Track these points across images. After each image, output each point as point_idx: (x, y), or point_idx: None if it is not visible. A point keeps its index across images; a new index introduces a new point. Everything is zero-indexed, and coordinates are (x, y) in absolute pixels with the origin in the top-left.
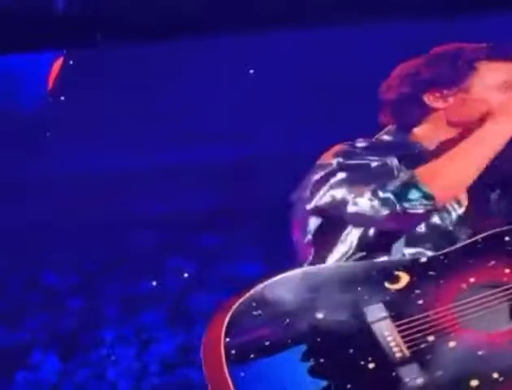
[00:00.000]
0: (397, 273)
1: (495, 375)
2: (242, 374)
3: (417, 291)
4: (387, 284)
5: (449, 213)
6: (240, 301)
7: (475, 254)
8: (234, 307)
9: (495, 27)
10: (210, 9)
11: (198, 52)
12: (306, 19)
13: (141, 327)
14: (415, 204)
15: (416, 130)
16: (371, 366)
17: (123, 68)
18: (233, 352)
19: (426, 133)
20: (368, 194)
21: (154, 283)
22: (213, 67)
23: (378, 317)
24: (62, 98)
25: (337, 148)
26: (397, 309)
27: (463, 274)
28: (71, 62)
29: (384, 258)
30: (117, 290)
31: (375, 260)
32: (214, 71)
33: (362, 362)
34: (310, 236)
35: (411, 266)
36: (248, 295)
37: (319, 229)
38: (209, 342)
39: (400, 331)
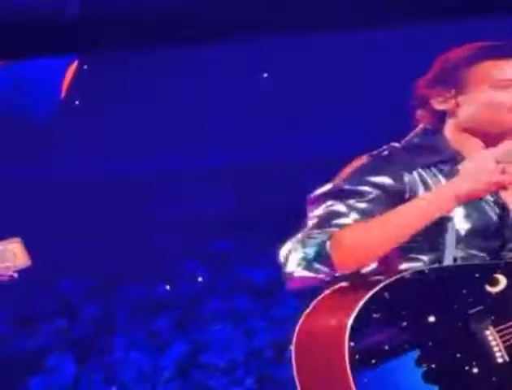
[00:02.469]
0: (496, 276)
1: None
2: (365, 379)
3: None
4: (488, 287)
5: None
6: (362, 302)
7: None
8: (357, 309)
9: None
10: (224, 13)
11: (211, 56)
12: (321, 24)
13: (154, 331)
14: (315, 268)
15: (445, 131)
16: (475, 370)
17: (138, 72)
18: (357, 357)
19: (451, 136)
20: (292, 245)
21: (168, 288)
22: (226, 71)
23: (480, 322)
24: (77, 103)
25: (352, 164)
26: (498, 312)
27: None
28: (85, 67)
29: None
30: (131, 294)
31: (476, 262)
32: (227, 76)
33: (467, 367)
34: None
35: (509, 268)
36: (369, 297)
37: None
38: (326, 342)
39: (501, 336)
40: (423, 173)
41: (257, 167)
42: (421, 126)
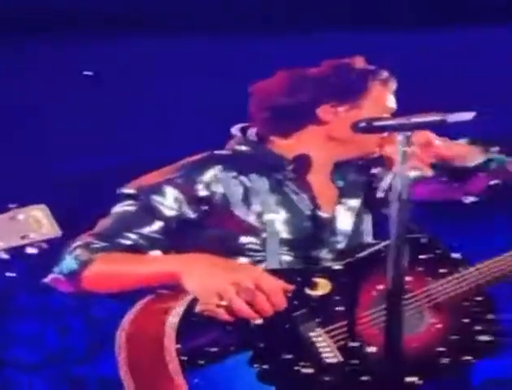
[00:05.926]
0: (316, 279)
1: (414, 379)
2: (196, 380)
3: (336, 297)
4: (308, 291)
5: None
6: (185, 304)
7: (380, 262)
8: (180, 311)
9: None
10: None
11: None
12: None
13: None
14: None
15: (281, 140)
16: (309, 371)
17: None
18: (185, 358)
19: (293, 145)
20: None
21: None
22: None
23: (306, 324)
24: None
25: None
26: (322, 315)
27: (373, 280)
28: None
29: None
30: None
31: (296, 266)
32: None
33: (301, 367)
34: None
35: (327, 272)
36: (191, 298)
37: None
38: (149, 342)
39: (330, 337)
40: (253, 176)
41: None
42: (251, 132)
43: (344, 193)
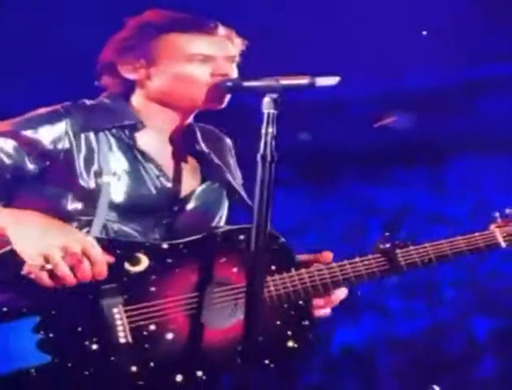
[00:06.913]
0: (138, 255)
1: (199, 373)
2: None
3: (153, 276)
4: (126, 265)
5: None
6: None
7: (211, 248)
8: None
9: None
10: None
11: None
12: None
13: None
14: None
15: (132, 99)
16: (94, 347)
17: None
18: None
19: (139, 105)
20: None
21: None
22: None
23: (111, 299)
24: None
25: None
26: (131, 292)
27: (197, 266)
28: None
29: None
30: None
31: (120, 238)
32: None
33: (87, 342)
34: None
35: (152, 249)
36: None
37: None
38: None
39: (128, 317)
40: (101, 134)
41: None
42: (110, 91)
43: (202, 174)
